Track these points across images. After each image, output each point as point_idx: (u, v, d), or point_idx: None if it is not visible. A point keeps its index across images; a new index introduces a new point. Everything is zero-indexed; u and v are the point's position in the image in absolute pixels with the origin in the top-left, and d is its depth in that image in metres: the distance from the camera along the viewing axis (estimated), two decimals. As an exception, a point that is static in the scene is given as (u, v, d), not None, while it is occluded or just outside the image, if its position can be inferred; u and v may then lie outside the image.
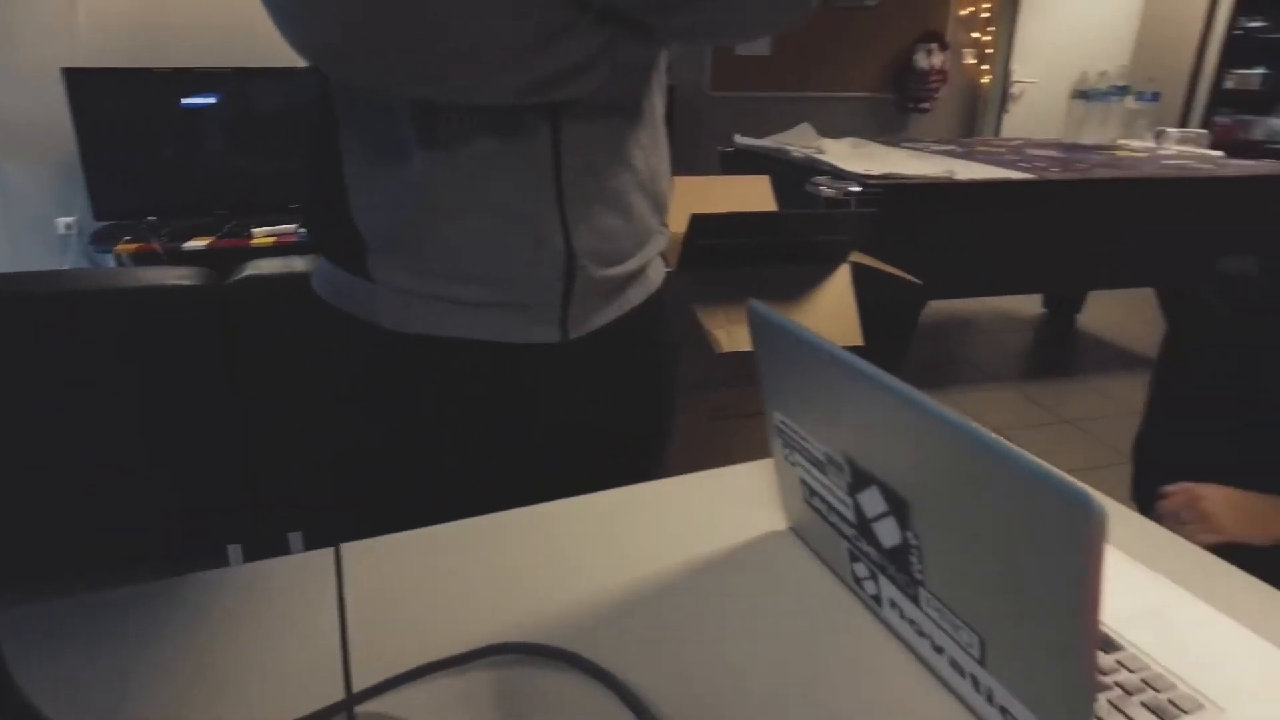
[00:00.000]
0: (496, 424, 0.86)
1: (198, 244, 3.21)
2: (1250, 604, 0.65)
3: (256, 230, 3.29)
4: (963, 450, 0.44)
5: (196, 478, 1.87)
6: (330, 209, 0.79)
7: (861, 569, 0.61)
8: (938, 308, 3.94)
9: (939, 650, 0.54)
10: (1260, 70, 5.06)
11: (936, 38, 4.94)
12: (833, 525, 0.63)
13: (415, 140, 0.72)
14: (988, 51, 5.19)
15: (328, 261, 0.85)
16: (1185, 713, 0.52)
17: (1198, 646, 0.58)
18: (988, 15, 5.10)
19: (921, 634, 0.56)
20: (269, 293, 1.72)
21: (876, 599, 0.61)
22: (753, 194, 2.24)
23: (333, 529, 0.73)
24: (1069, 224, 2.75)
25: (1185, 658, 0.57)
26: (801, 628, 0.61)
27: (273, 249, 3.23)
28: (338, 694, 0.52)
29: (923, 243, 2.54)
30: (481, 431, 0.85)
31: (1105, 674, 0.55)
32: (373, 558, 0.68)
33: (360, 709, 0.53)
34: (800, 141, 3.09)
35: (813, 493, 0.65)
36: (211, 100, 3.37)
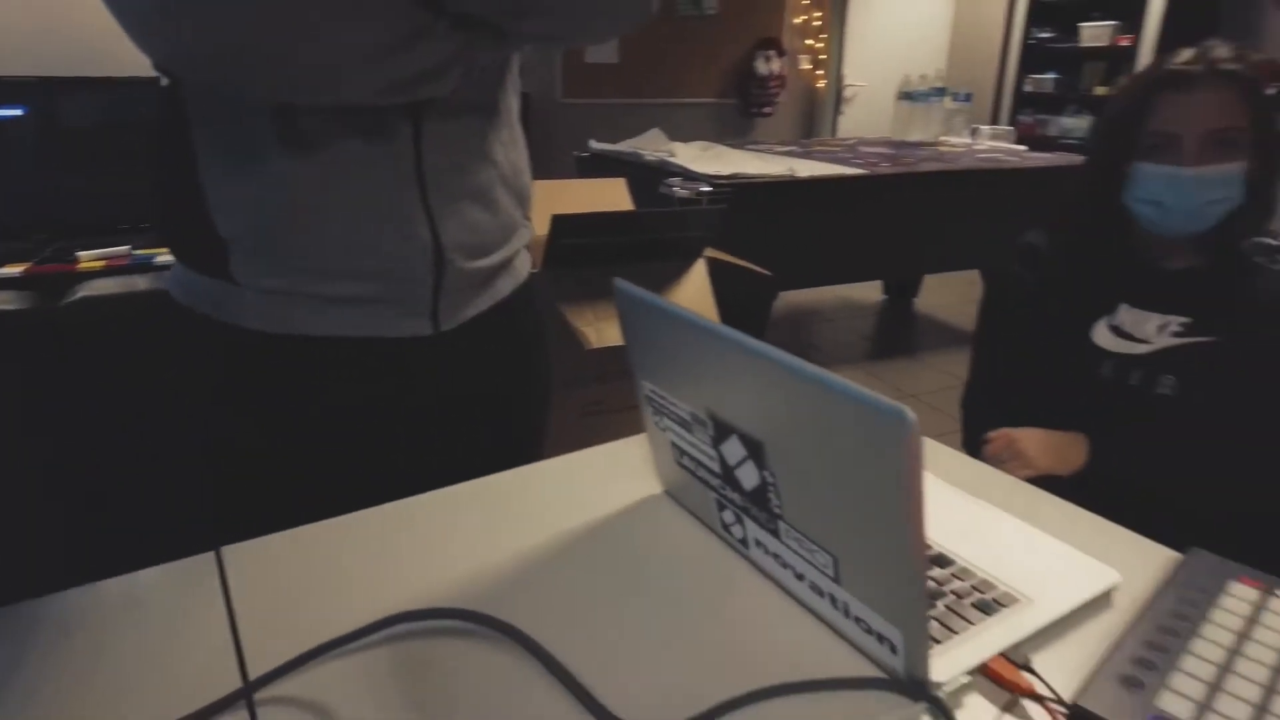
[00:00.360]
0: (372, 418, 0.87)
1: (12, 270, 2.94)
2: (1055, 517, 0.77)
3: (82, 254, 3.05)
4: (799, 387, 0.50)
5: (46, 509, 1.73)
6: (186, 212, 0.78)
7: (729, 515, 0.67)
8: (789, 298, 4.16)
9: (800, 577, 0.61)
10: (1052, 75, 5.65)
11: (774, 45, 5.21)
12: (701, 480, 0.69)
13: (276, 139, 0.73)
14: (821, 57, 5.51)
15: (185, 267, 0.83)
16: (1004, 606, 0.61)
17: (1013, 553, 0.68)
18: (819, 23, 5.42)
19: (784, 565, 0.62)
20: (109, 313, 1.62)
21: (744, 541, 0.67)
22: (610, 195, 2.30)
23: (212, 534, 0.72)
24: (900, 214, 2.99)
25: (1003, 563, 0.66)
26: (680, 576, 0.67)
27: (102, 273, 3.01)
28: (235, 686, 0.53)
29: (770, 237, 2.70)
30: (357, 426, 0.86)
31: (942, 584, 0.64)
32: (257, 556, 0.68)
33: (262, 695, 0.54)
34: (652, 146, 3.19)
35: (682, 453, 0.70)
36: (17, 112, 3.09)
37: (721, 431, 0.62)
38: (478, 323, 0.91)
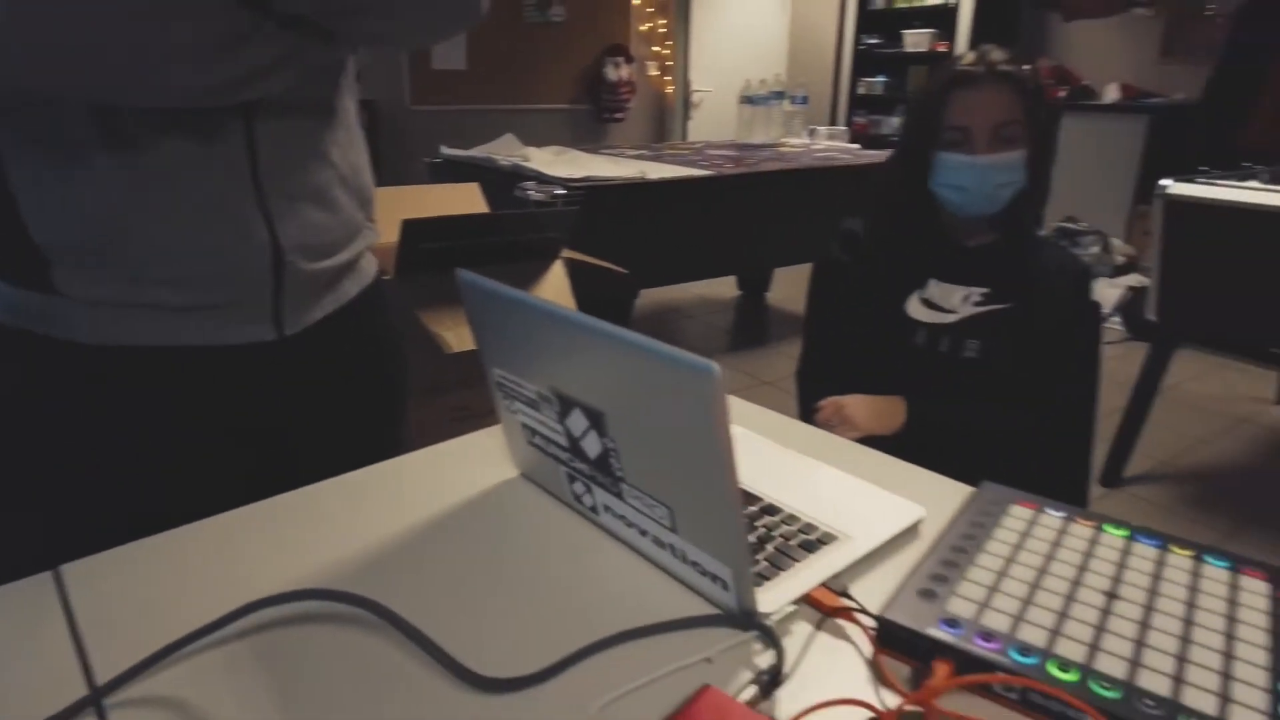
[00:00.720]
0: (218, 428, 0.85)
1: None
2: (874, 467, 0.86)
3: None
4: (624, 355, 0.55)
5: None
6: (-8, 219, 0.75)
7: (579, 486, 0.72)
8: (651, 297, 4.27)
9: (644, 533, 0.66)
10: (881, 78, 6.06)
11: (622, 51, 5.32)
12: (552, 456, 0.73)
13: (98, 141, 0.71)
14: (668, 64, 5.68)
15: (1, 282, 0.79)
16: (825, 544, 0.69)
17: (834, 498, 0.76)
18: (665, 31, 5.58)
19: (630, 524, 0.67)
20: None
21: (594, 509, 0.72)
22: (464, 200, 2.30)
23: (49, 554, 0.69)
24: (746, 212, 3.14)
25: (826, 508, 0.74)
26: (535, 547, 0.71)
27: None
28: (83, 694, 0.52)
29: (627, 237, 2.77)
30: (206, 436, 0.85)
31: (771, 530, 0.71)
32: (100, 571, 0.67)
33: (116, 699, 0.53)
34: (506, 151, 3.20)
35: (533, 433, 0.74)
36: None
37: (566, 406, 0.66)
38: (324, 326, 0.91)
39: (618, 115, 5.38)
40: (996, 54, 1.17)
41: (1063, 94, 5.03)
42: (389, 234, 1.77)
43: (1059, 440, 1.24)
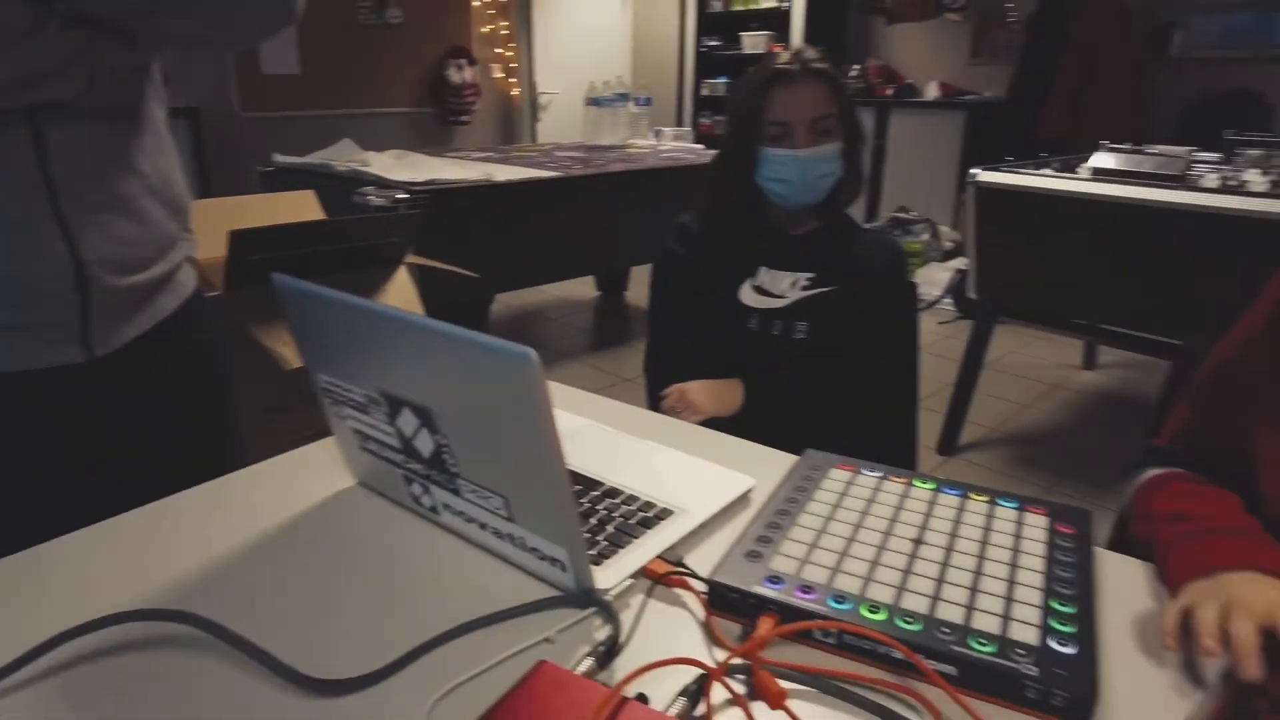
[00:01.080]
0: (33, 455, 0.79)
1: None
2: (710, 446, 0.90)
3: None
4: (445, 348, 0.56)
5: None
6: None
7: (417, 488, 0.71)
8: (511, 301, 4.24)
9: (483, 526, 0.66)
10: (723, 79, 6.26)
11: (465, 54, 5.24)
12: (386, 460, 0.72)
13: None
14: (513, 65, 5.65)
15: None
16: (662, 520, 0.72)
17: (670, 476, 0.79)
18: (507, 33, 5.54)
19: (469, 520, 0.67)
20: None
21: (434, 509, 0.71)
22: (299, 209, 2.21)
23: None
24: (597, 212, 3.17)
25: (663, 486, 0.77)
26: (376, 553, 0.70)
27: None
28: None
29: (478, 241, 2.74)
30: (17, 465, 0.78)
31: (612, 511, 0.73)
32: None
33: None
34: (343, 156, 3.09)
35: (365, 438, 0.73)
36: None
37: (394, 407, 0.65)
38: (140, 345, 0.86)
39: (463, 118, 5.30)
40: (810, 52, 1.24)
41: (890, 92, 5.38)
42: (218, 247, 1.68)
43: (886, 410, 1.33)
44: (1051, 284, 2.32)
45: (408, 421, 0.65)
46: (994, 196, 2.32)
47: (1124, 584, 0.67)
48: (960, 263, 4.44)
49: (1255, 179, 2.10)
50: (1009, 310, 2.58)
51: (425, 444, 0.65)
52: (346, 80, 4.73)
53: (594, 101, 4.23)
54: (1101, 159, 2.29)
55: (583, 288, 4.53)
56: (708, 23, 6.31)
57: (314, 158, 3.11)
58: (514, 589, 0.64)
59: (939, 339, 3.64)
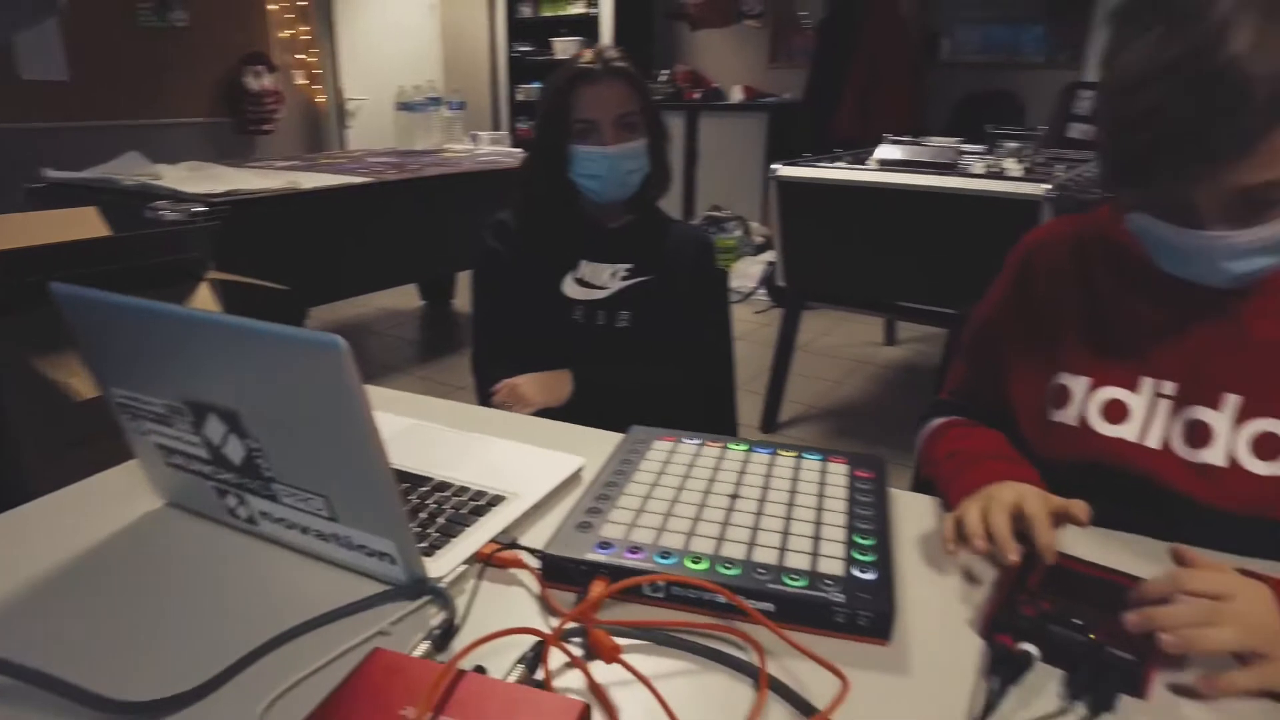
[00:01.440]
0: None
1: None
2: (543, 433, 0.92)
3: None
4: (244, 344, 0.54)
5: None
6: None
7: (231, 499, 0.68)
8: (329, 316, 4.04)
9: (305, 531, 0.65)
10: (537, 84, 6.28)
11: (262, 59, 4.94)
12: (195, 473, 0.68)
13: None
14: (316, 71, 5.38)
15: None
16: (494, 506, 0.72)
17: (502, 465, 0.80)
18: (308, 38, 5.28)
19: (290, 525, 0.65)
20: None
21: (251, 519, 0.68)
22: (80, 227, 2.01)
23: None
24: (414, 218, 3.10)
25: (495, 474, 0.78)
26: (190, 572, 0.66)
27: None
28: None
29: (286, 253, 2.61)
30: None
31: (443, 504, 0.73)
32: None
33: None
34: (130, 170, 2.84)
35: (171, 452, 0.69)
36: None
37: (199, 414, 0.62)
38: None
39: (265, 127, 4.99)
40: (611, 52, 1.28)
41: (698, 96, 5.60)
42: (-21, 270, 1.50)
43: (708, 392, 1.40)
44: (850, 267, 2.52)
45: (215, 429, 0.62)
46: (794, 189, 2.48)
47: (917, 518, 0.75)
48: (771, 255, 4.71)
49: (1012, 166, 2.38)
50: (815, 295, 2.76)
51: (235, 450, 0.62)
52: (126, 88, 4.33)
53: (405, 106, 4.13)
54: (886, 151, 2.51)
55: (406, 298, 4.40)
56: (519, 28, 6.31)
57: (93, 172, 2.83)
58: (344, 590, 0.62)
59: (756, 328, 3.84)
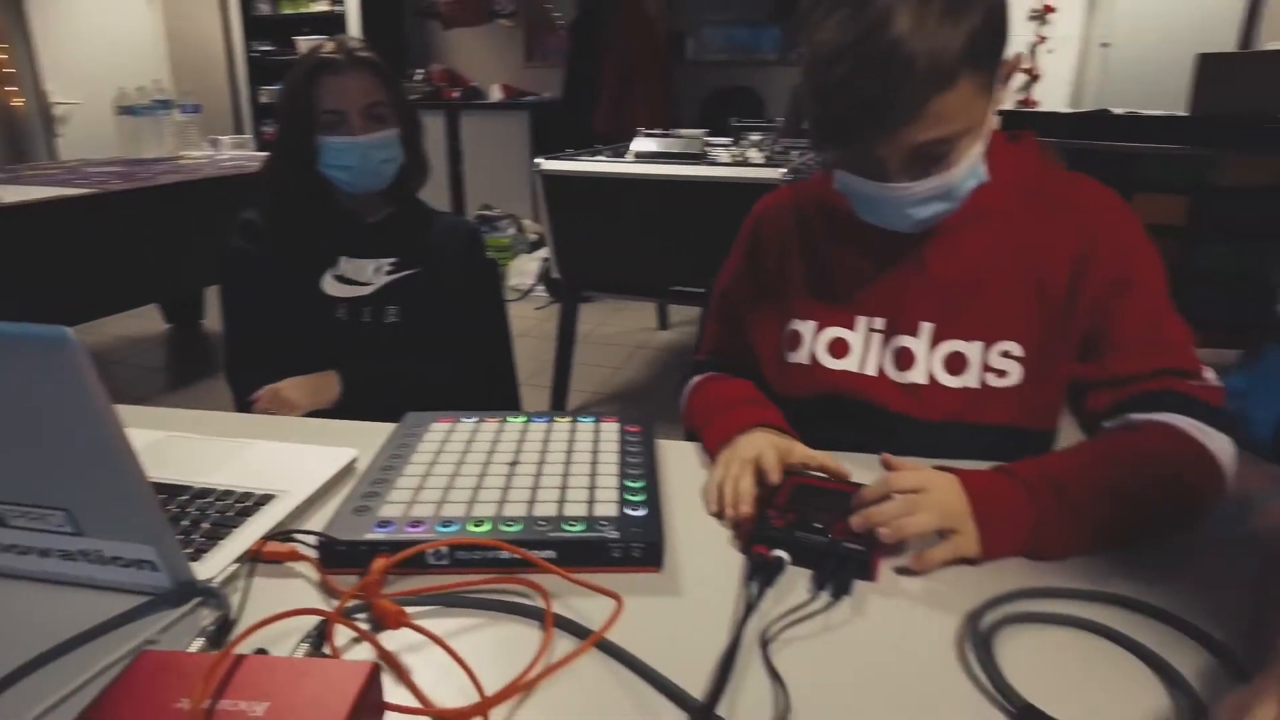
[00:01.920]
0: None
1: None
2: (318, 431, 0.89)
3: None
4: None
5: None
6: None
7: (-54, 531, 0.60)
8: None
9: (45, 553, 0.59)
10: (277, 86, 5.89)
11: (-67, 60, 4.24)
12: (-105, 508, 0.60)
13: None
14: (9, 72, 4.70)
15: None
16: (264, 505, 0.70)
17: (269, 466, 0.77)
18: (-7, 35, 4.59)
19: (26, 550, 0.59)
20: None
21: (-25, 551, 0.61)
22: None
23: None
24: (150, 231, 2.80)
25: (261, 475, 0.75)
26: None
27: None
28: None
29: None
30: None
31: (205, 510, 0.69)
32: None
33: None
34: None
35: None
36: None
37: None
38: None
39: (-54, 138, 4.29)
40: (354, 42, 1.25)
41: (456, 95, 5.53)
42: None
43: (489, 380, 1.41)
44: (619, 257, 2.62)
45: (-83, 452, 0.55)
46: (558, 182, 2.55)
47: (682, 462, 0.82)
48: (546, 252, 4.77)
49: (755, 155, 2.60)
50: (589, 285, 2.85)
51: (-53, 474, 0.56)
52: None
53: (128, 110, 3.71)
54: (641, 143, 2.64)
55: (149, 321, 3.97)
56: (257, 26, 5.89)
57: None
58: (102, 609, 0.58)
59: (537, 323, 3.88)
